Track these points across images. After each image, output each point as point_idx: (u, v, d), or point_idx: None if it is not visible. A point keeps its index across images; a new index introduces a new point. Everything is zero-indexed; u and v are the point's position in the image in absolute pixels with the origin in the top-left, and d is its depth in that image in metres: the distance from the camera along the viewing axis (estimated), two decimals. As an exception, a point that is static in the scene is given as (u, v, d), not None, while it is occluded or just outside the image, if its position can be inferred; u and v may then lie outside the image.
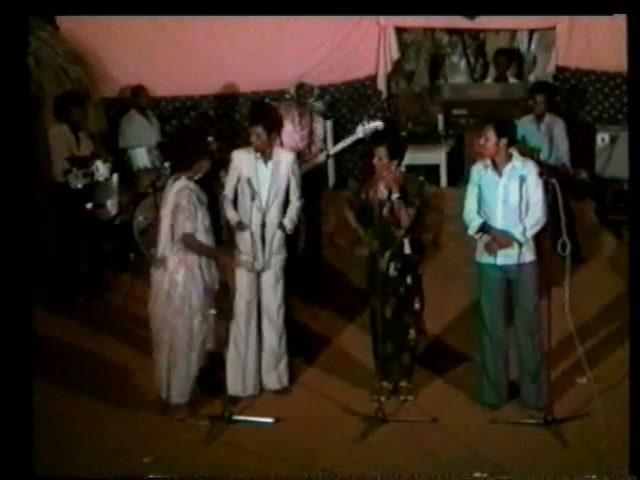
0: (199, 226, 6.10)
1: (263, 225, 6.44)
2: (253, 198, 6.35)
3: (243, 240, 6.46)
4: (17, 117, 5.22)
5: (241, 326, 6.51)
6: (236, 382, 6.47)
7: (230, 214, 6.51)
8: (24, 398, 5.10)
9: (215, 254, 6.21)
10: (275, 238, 6.50)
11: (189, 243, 6.09)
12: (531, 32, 10.59)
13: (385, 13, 9.43)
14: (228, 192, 6.51)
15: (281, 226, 6.49)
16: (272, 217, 6.47)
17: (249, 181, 6.33)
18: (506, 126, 6.20)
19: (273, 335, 6.57)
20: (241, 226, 6.45)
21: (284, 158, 6.49)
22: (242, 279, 6.49)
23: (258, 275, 6.51)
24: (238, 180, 6.43)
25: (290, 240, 6.71)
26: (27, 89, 5.58)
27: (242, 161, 6.45)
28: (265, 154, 6.41)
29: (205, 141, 6.28)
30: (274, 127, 6.46)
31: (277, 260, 6.54)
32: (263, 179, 6.41)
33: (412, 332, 6.52)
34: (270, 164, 6.42)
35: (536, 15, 9.13)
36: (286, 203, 6.54)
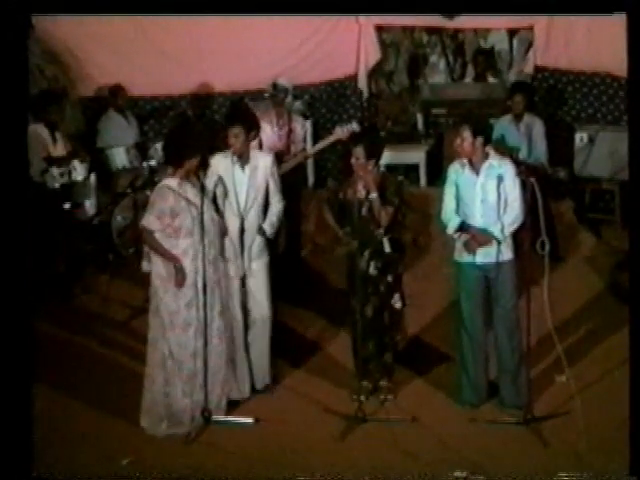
0: (181, 225, 6.01)
1: (242, 230, 6.36)
2: (224, 203, 6.31)
3: (225, 245, 6.38)
4: (17, 116, 5.22)
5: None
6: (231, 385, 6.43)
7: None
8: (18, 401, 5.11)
9: (167, 257, 6.00)
10: (255, 243, 6.41)
11: (145, 238, 6.08)
12: (512, 32, 10.63)
13: (365, 12, 9.44)
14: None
15: (260, 230, 6.42)
16: (251, 222, 6.39)
17: (221, 185, 6.28)
18: (481, 125, 6.24)
19: (260, 341, 6.48)
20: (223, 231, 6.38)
21: (262, 161, 6.42)
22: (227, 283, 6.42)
23: (243, 279, 6.43)
24: (216, 185, 6.34)
25: (271, 241, 6.61)
26: (27, 89, 5.56)
27: (219, 165, 6.36)
28: (242, 158, 6.34)
29: (192, 140, 6.16)
30: (252, 127, 6.38)
31: (260, 264, 6.44)
32: (240, 184, 6.34)
33: (394, 331, 6.53)
34: (247, 168, 6.36)
35: (533, 15, 9.19)
36: (266, 206, 6.46)
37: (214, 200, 6.33)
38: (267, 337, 6.52)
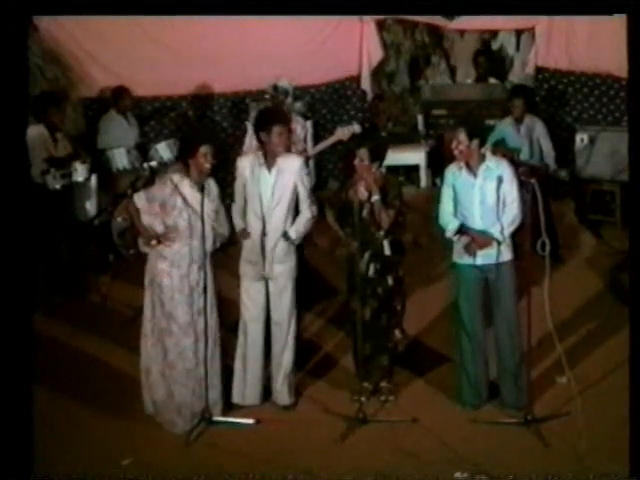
0: (176, 224, 6.03)
1: (263, 233, 6.29)
2: (246, 204, 6.30)
3: (248, 248, 6.37)
4: (16, 117, 5.23)
5: (240, 336, 6.43)
6: (238, 391, 6.42)
7: (236, 222, 6.38)
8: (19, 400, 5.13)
9: (145, 234, 6.11)
10: (278, 247, 6.31)
11: (130, 210, 6.21)
12: (519, 32, 10.62)
13: (365, 13, 9.43)
14: (237, 200, 6.38)
15: (285, 235, 6.32)
16: (274, 225, 6.27)
17: (245, 188, 6.28)
18: (477, 127, 6.26)
19: (278, 346, 6.43)
20: (244, 234, 6.34)
21: (289, 164, 6.30)
22: (246, 290, 6.41)
23: (266, 285, 6.38)
24: (244, 187, 6.33)
25: (298, 246, 6.51)
26: (26, 89, 5.57)
27: (246, 168, 6.31)
28: (269, 159, 6.26)
29: (196, 139, 6.16)
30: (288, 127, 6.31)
31: (283, 268, 6.34)
32: (265, 185, 6.25)
33: (397, 333, 6.54)
34: (274, 170, 6.26)
35: (533, 15, 9.18)
36: (296, 211, 6.37)
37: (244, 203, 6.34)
38: (287, 345, 6.41)
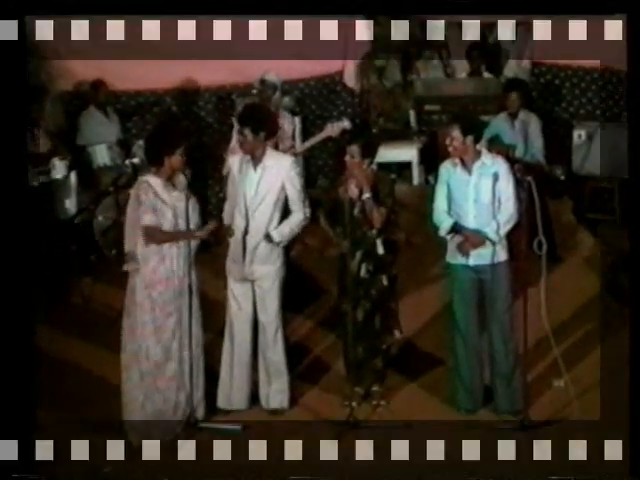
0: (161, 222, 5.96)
1: (246, 232, 6.20)
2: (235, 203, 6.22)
3: (232, 246, 6.29)
4: (15, 115, 5.30)
5: (226, 338, 6.35)
6: (224, 395, 6.34)
7: (226, 219, 6.36)
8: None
9: (180, 237, 5.98)
10: (260, 247, 6.21)
11: (151, 235, 5.93)
12: (515, 26, 10.50)
13: (363, 13, 9.30)
14: (229, 198, 6.37)
15: (267, 237, 6.21)
16: (256, 225, 6.19)
17: (233, 185, 6.23)
18: (471, 123, 6.21)
19: (265, 348, 6.32)
20: (229, 231, 6.25)
21: (278, 163, 6.22)
22: (231, 290, 6.33)
23: (252, 287, 6.28)
24: (232, 184, 6.29)
25: (285, 247, 6.43)
26: (26, 88, 5.67)
27: (234, 165, 6.28)
28: (255, 157, 6.18)
29: (175, 139, 6.06)
30: (261, 129, 6.16)
31: (267, 270, 6.23)
32: (250, 184, 6.18)
33: (396, 333, 6.51)
34: (259, 169, 6.18)
35: (534, 15, 9.07)
36: (285, 213, 6.26)
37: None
38: (276, 348, 6.31)
